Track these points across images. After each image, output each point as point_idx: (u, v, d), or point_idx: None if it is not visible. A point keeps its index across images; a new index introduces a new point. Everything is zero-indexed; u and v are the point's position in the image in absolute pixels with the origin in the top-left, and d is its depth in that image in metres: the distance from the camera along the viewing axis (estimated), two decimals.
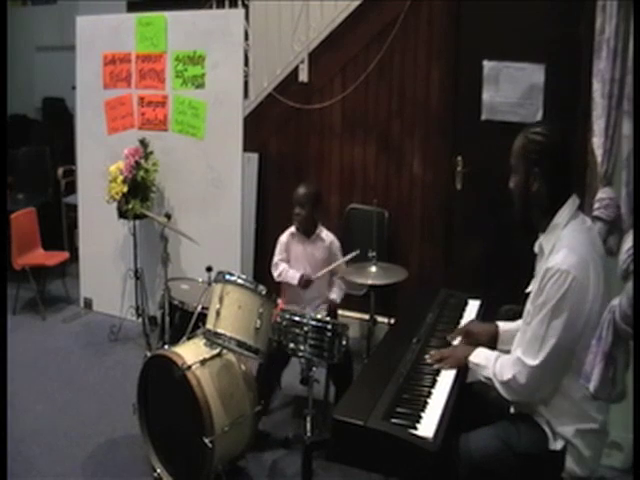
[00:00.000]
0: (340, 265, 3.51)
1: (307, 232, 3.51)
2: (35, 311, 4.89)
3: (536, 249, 2.14)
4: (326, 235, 3.55)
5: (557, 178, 2.03)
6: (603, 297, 1.95)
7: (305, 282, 3.40)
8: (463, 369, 2.20)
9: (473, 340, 2.34)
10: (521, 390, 1.97)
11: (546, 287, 1.93)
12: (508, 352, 2.17)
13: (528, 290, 2.16)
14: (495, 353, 2.14)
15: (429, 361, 2.25)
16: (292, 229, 3.54)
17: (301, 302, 3.47)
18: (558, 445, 1.97)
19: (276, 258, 3.54)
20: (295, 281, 3.41)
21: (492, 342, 2.34)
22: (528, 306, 2.10)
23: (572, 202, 2.05)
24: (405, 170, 4.35)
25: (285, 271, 3.47)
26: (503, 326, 2.38)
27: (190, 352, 2.83)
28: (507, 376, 1.99)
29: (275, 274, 3.52)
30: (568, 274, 1.89)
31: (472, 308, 2.80)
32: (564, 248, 1.95)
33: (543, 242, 2.08)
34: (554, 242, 2.01)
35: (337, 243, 3.58)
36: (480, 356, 2.15)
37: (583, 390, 1.89)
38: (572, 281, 1.89)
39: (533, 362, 1.94)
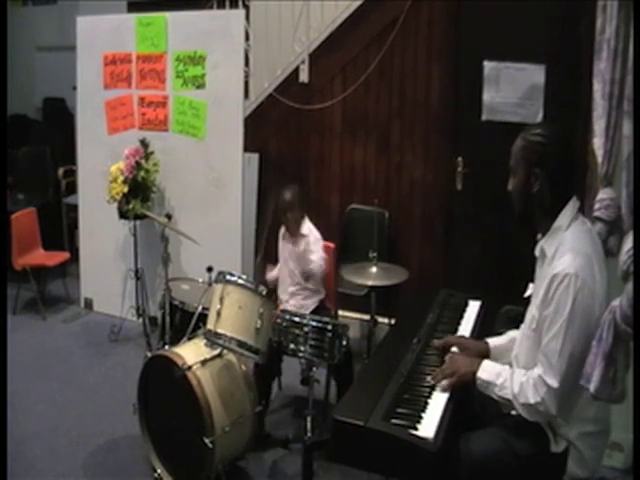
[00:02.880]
0: (310, 254, 3.40)
1: (292, 233, 3.50)
2: (35, 311, 4.89)
3: (537, 253, 2.10)
4: (308, 229, 3.48)
5: (558, 179, 2.01)
6: (606, 297, 1.94)
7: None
8: (470, 384, 2.10)
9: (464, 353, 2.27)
10: (549, 414, 1.92)
11: (556, 295, 1.89)
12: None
13: (527, 294, 2.14)
14: (506, 369, 2.06)
15: (433, 382, 2.14)
16: (284, 230, 3.58)
17: (286, 293, 3.53)
18: (560, 447, 1.96)
19: (272, 273, 3.66)
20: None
21: (483, 358, 2.25)
22: (533, 311, 2.03)
23: (573, 204, 2.03)
24: (405, 170, 4.35)
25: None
26: (493, 342, 2.32)
27: (190, 352, 2.83)
28: (534, 399, 1.91)
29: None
30: (577, 278, 1.86)
31: (472, 308, 2.79)
32: (569, 251, 1.92)
33: (544, 245, 2.04)
34: (557, 245, 1.98)
35: (315, 235, 3.46)
36: (490, 372, 2.05)
37: (586, 393, 1.88)
38: (581, 284, 1.86)
39: (556, 383, 1.88)
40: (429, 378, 2.17)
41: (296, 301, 3.48)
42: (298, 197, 3.43)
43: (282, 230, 3.59)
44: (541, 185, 2.01)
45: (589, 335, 1.88)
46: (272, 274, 3.64)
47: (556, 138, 2.02)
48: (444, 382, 2.11)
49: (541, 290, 1.98)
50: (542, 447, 1.98)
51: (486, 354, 2.28)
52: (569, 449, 1.96)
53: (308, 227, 3.52)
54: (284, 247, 3.56)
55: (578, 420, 1.95)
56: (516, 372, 2.03)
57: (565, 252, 1.93)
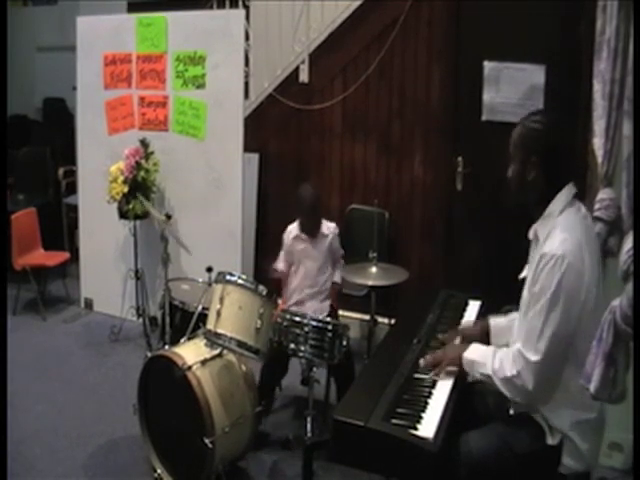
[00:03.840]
0: (339, 250, 3.56)
1: (314, 233, 3.50)
2: (35, 311, 4.89)
3: (530, 235, 2.13)
4: (327, 229, 3.52)
5: (554, 167, 2.03)
6: (598, 284, 1.95)
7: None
8: (459, 368, 2.15)
9: (468, 340, 2.33)
10: (527, 390, 1.94)
11: (542, 274, 1.92)
12: (503, 346, 2.17)
13: (522, 276, 2.16)
14: (491, 348, 2.11)
15: (422, 366, 2.20)
16: (295, 231, 3.51)
17: (301, 294, 3.48)
18: (555, 439, 1.97)
19: (280, 264, 3.56)
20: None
21: (485, 338, 2.33)
22: (525, 293, 2.09)
23: (568, 190, 2.05)
24: (405, 171, 4.35)
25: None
26: (494, 320, 2.38)
27: (190, 352, 2.83)
28: (510, 372, 1.95)
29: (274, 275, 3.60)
30: (563, 259, 1.89)
31: (472, 308, 2.80)
32: (559, 234, 1.95)
33: (538, 229, 2.07)
34: (549, 229, 2.01)
35: (336, 231, 3.56)
36: (475, 352, 2.11)
37: (577, 380, 1.88)
38: (567, 266, 1.89)
39: (534, 357, 1.91)
40: (420, 361, 2.22)
41: (312, 304, 3.42)
42: (320, 195, 3.49)
43: (292, 228, 3.55)
44: (537, 172, 2.04)
45: (574, 317, 1.91)
46: (279, 265, 3.56)
47: (554, 125, 2.04)
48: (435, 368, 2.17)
49: (531, 271, 2.01)
50: (538, 441, 1.99)
51: (486, 332, 2.35)
52: (563, 441, 1.97)
53: (327, 226, 3.54)
54: (297, 245, 3.49)
55: (571, 409, 1.95)
56: (498, 350, 2.06)
57: (555, 235, 1.96)
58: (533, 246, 2.13)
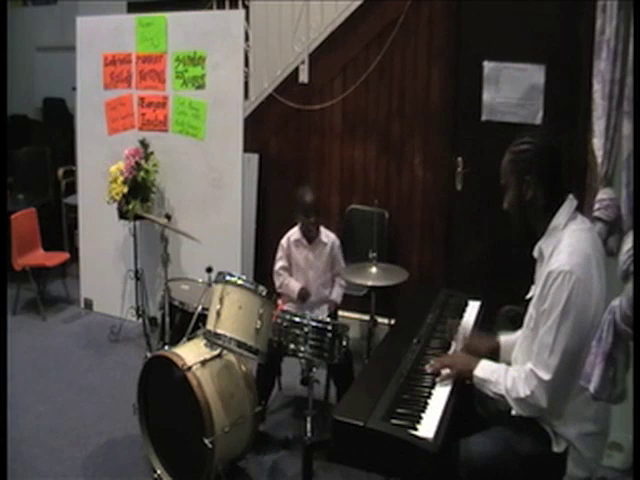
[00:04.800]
0: (340, 263, 3.53)
1: (311, 238, 3.51)
2: (35, 311, 4.89)
3: (535, 254, 2.12)
4: (326, 237, 3.56)
5: (550, 181, 2.03)
6: (606, 296, 1.94)
7: (304, 296, 3.43)
8: (467, 381, 2.14)
9: (474, 353, 2.31)
10: (540, 408, 1.93)
11: (550, 291, 1.91)
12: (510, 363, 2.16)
13: (529, 296, 2.15)
14: (502, 366, 2.09)
15: (429, 371, 2.19)
16: (295, 235, 3.53)
17: (301, 305, 3.49)
18: (561, 447, 1.97)
19: (277, 265, 3.55)
20: (294, 294, 3.44)
21: (493, 355, 2.29)
22: (531, 310, 2.07)
23: (569, 203, 2.04)
24: (405, 171, 4.35)
25: (286, 284, 3.50)
26: (505, 338, 2.35)
27: (190, 353, 2.83)
28: (524, 392, 1.94)
29: (277, 283, 3.54)
30: (572, 275, 1.88)
31: (472, 309, 2.80)
32: (566, 249, 1.94)
33: (542, 246, 2.06)
34: (554, 244, 2.00)
35: (337, 242, 3.60)
36: (486, 370, 2.08)
37: (585, 392, 1.88)
38: (576, 282, 1.87)
39: (547, 375, 1.90)
40: (427, 366, 2.21)
41: (311, 311, 3.42)
42: (317, 197, 3.50)
43: (292, 233, 3.56)
44: (534, 190, 2.03)
45: (584, 332, 1.90)
46: (290, 285, 3.50)
47: (540, 142, 2.04)
48: (443, 372, 2.15)
49: (538, 289, 1.99)
50: (544, 447, 1.98)
51: (496, 350, 2.31)
52: (569, 449, 1.96)
53: (326, 234, 3.55)
54: (298, 252, 3.53)
55: (578, 420, 1.95)
56: (510, 369, 2.05)
57: (562, 250, 1.95)
58: (538, 264, 2.12)
